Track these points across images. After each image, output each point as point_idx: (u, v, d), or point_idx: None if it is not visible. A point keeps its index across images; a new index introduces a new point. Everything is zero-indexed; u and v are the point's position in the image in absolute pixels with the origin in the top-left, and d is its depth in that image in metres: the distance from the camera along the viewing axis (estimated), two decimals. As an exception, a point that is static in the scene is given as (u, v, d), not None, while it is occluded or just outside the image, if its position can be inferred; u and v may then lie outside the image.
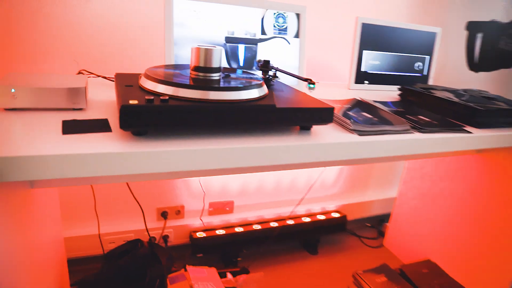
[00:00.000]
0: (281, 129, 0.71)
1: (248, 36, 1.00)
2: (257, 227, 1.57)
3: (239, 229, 1.54)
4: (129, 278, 1.14)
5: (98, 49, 1.18)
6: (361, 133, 0.74)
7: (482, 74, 1.93)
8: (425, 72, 1.39)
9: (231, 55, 0.98)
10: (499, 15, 1.85)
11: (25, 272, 0.73)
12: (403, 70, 1.35)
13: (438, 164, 1.51)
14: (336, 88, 1.27)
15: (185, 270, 1.21)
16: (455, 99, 0.99)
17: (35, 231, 0.84)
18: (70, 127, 0.61)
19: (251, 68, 1.02)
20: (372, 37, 1.25)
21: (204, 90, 0.62)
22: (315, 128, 0.75)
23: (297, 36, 1.06)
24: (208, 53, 0.68)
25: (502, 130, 0.92)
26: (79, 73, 0.98)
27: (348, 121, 0.75)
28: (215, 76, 0.70)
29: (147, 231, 1.43)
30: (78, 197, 1.33)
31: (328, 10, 1.45)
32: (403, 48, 1.32)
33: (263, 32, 1.01)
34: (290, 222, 1.63)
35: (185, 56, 0.93)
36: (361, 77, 1.28)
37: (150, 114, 0.57)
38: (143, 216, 1.42)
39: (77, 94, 0.70)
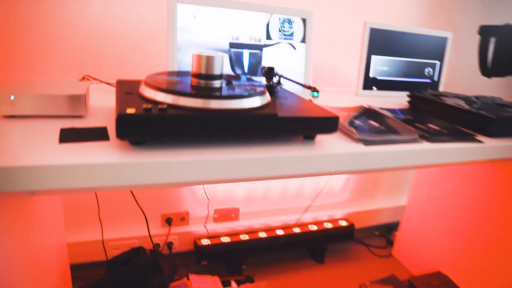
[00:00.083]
0: (284, 138, 0.69)
1: (253, 42, 0.98)
2: (262, 234, 1.54)
3: (244, 237, 1.51)
4: (131, 286, 1.13)
5: (104, 54, 1.17)
6: (366, 142, 0.71)
7: (495, 80, 1.88)
8: (435, 78, 1.36)
9: (236, 61, 0.97)
10: (513, 20, 1.80)
11: (27, 278, 0.73)
12: (413, 76, 1.32)
13: (449, 171, 1.47)
14: (343, 94, 1.24)
15: (188, 279, 1.19)
16: (466, 107, 0.95)
17: (37, 237, 0.83)
18: (67, 136, 0.60)
19: (256, 74, 1.00)
20: (381, 42, 1.23)
21: (203, 98, 0.60)
22: (320, 136, 0.72)
23: (303, 41, 1.04)
24: (209, 60, 0.66)
25: (516, 140, 0.88)
26: (83, 78, 0.97)
27: (353, 130, 0.73)
28: (217, 83, 0.68)
29: (151, 239, 1.42)
30: (82, 202, 1.33)
31: (335, 14, 1.42)
32: (412, 53, 1.29)
33: (268, 37, 1.00)
34: (297, 230, 1.60)
35: (189, 62, 0.92)
36: (369, 83, 1.25)
37: (148, 123, 0.55)
38: (147, 223, 1.40)
39: (77, 101, 0.69)
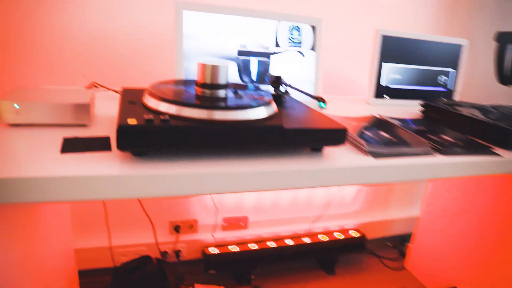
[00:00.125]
0: (291, 150, 0.67)
1: (261, 49, 0.96)
2: (272, 244, 1.52)
3: (253, 246, 1.49)
4: (137, 295, 1.12)
5: (114, 60, 1.17)
6: (376, 155, 0.68)
7: (513, 87, 1.82)
8: (450, 87, 1.32)
9: (243, 69, 0.95)
10: (532, 26, 1.74)
11: (34, 283, 0.72)
12: (426, 84, 1.28)
13: (464, 181, 1.42)
14: (354, 103, 1.21)
15: (194, 288, 1.17)
16: (483, 117, 0.92)
17: (43, 243, 0.83)
18: (69, 146, 0.59)
19: (264, 83, 0.98)
20: (393, 49, 1.20)
21: (207, 109, 0.59)
22: (328, 148, 0.70)
23: (312, 49, 1.02)
24: (214, 69, 0.65)
25: (535, 152, 0.84)
26: (90, 85, 0.97)
27: (363, 142, 0.70)
28: (222, 93, 0.67)
29: (158, 247, 1.41)
30: (91, 208, 1.33)
31: (346, 21, 1.40)
32: (426, 61, 1.26)
33: (277, 45, 0.98)
34: (307, 240, 1.57)
35: (196, 70, 0.91)
36: (381, 91, 1.22)
37: (149, 135, 0.54)
38: (154, 232, 1.39)
39: (81, 110, 0.68)
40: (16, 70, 1.10)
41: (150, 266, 1.13)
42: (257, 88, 0.77)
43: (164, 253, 1.43)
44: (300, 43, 1.00)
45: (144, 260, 1.16)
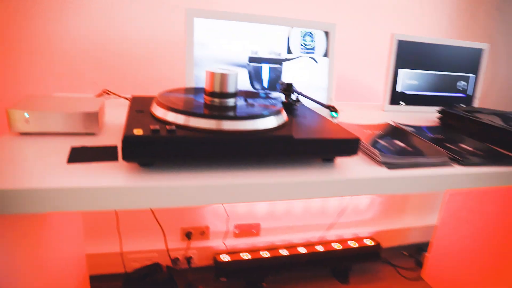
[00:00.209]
0: (301, 160, 0.65)
1: (272, 56, 0.95)
2: (284, 252, 1.49)
3: (265, 254, 1.47)
4: (147, 303, 1.12)
5: (126, 68, 1.18)
6: (390, 166, 0.66)
7: (536, 92, 1.76)
8: (469, 92, 1.28)
9: (255, 76, 0.94)
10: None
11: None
12: (444, 90, 1.24)
13: (485, 189, 1.37)
14: (369, 109, 1.19)
15: (205, 297, 1.16)
16: (504, 125, 0.88)
17: (54, 248, 0.83)
18: (76, 156, 0.59)
19: (275, 90, 0.97)
20: (409, 54, 1.17)
21: (215, 119, 0.57)
22: (340, 158, 0.68)
23: (325, 55, 1.00)
24: (223, 78, 0.64)
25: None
26: (102, 92, 0.97)
27: (376, 152, 0.68)
28: (231, 102, 0.65)
29: (168, 254, 1.40)
30: (102, 214, 1.33)
31: (361, 26, 1.37)
32: (444, 66, 1.22)
33: (289, 51, 0.96)
34: (320, 248, 1.54)
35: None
36: (397, 98, 1.19)
37: (155, 145, 0.53)
38: (164, 238, 1.39)
39: (89, 119, 0.68)
40: (29, 77, 1.12)
41: (160, 274, 1.12)
42: (268, 96, 0.75)
43: (175, 260, 1.43)
44: (313, 49, 0.98)
45: (154, 267, 1.16)
